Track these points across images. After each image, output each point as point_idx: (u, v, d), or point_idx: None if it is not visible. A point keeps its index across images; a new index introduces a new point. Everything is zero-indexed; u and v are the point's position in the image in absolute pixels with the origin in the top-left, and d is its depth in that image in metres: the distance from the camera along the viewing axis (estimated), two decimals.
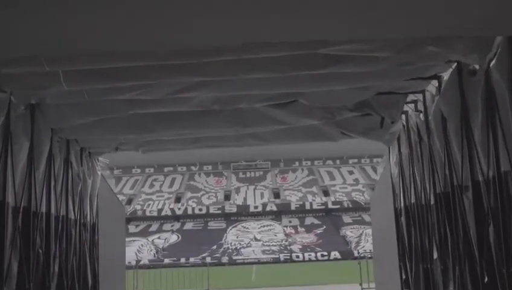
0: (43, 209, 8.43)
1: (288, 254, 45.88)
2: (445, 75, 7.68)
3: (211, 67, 6.49)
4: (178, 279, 18.76)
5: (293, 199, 56.74)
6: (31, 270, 7.67)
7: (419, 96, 8.71)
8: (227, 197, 58.47)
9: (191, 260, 42.40)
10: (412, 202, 9.38)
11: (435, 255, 8.55)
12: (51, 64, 6.09)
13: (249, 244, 48.20)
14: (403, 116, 9.54)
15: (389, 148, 10.69)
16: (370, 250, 43.50)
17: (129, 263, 38.89)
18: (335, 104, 8.31)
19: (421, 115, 8.85)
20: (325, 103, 8.15)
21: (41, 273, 8.28)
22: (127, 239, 52.96)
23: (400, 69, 7.24)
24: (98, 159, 11.15)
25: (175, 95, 7.48)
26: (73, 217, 9.61)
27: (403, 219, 9.92)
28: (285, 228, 52.25)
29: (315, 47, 5.88)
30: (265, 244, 48.14)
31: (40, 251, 8.29)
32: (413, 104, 9.16)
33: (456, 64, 7.12)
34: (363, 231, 48.81)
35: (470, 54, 6.07)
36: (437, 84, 7.87)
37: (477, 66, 6.70)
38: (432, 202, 8.43)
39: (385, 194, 11.51)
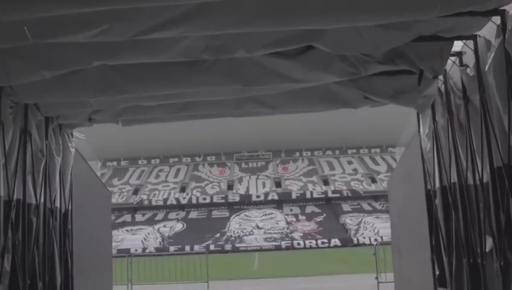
0: None
1: (290, 242, 44.62)
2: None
3: None
4: (176, 269, 16.37)
5: (294, 188, 55.35)
6: None
7: (467, 46, 6.31)
8: (230, 186, 57.23)
9: (196, 247, 40.75)
10: (453, 181, 6.99)
11: (488, 248, 6.21)
12: None
13: (251, 232, 46.88)
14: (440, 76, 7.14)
15: (419, 118, 8.24)
16: (369, 237, 42.10)
17: (136, 250, 37.63)
18: (363, 51, 5.79)
19: (468, 70, 6.46)
20: (351, 48, 5.65)
21: None
22: (134, 227, 52.06)
23: None
24: (71, 134, 8.75)
25: (149, 35, 5.06)
26: (34, 202, 7.23)
27: (438, 201, 7.51)
28: (286, 216, 50.96)
29: None
30: (267, 232, 46.82)
31: None
32: (455, 58, 6.76)
33: None
34: (362, 219, 48.36)
35: None
36: (499, 22, 5.47)
37: None
38: (486, 179, 6.05)
39: (411, 175, 9.12)
